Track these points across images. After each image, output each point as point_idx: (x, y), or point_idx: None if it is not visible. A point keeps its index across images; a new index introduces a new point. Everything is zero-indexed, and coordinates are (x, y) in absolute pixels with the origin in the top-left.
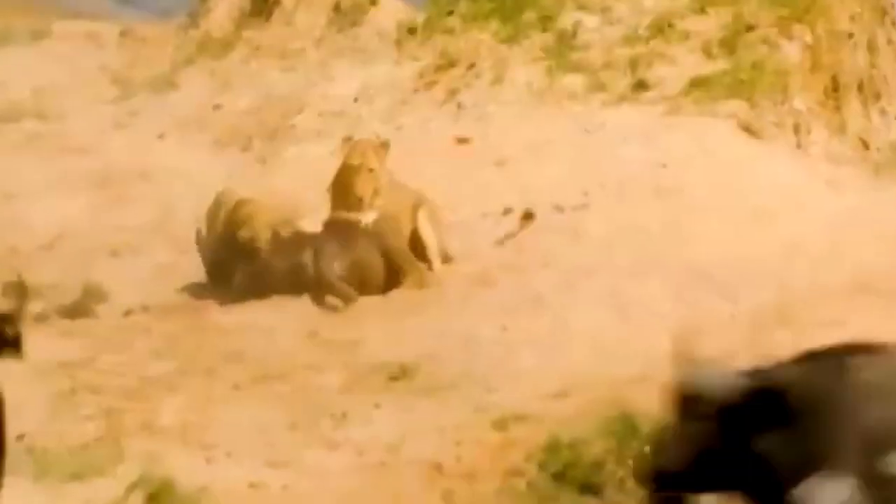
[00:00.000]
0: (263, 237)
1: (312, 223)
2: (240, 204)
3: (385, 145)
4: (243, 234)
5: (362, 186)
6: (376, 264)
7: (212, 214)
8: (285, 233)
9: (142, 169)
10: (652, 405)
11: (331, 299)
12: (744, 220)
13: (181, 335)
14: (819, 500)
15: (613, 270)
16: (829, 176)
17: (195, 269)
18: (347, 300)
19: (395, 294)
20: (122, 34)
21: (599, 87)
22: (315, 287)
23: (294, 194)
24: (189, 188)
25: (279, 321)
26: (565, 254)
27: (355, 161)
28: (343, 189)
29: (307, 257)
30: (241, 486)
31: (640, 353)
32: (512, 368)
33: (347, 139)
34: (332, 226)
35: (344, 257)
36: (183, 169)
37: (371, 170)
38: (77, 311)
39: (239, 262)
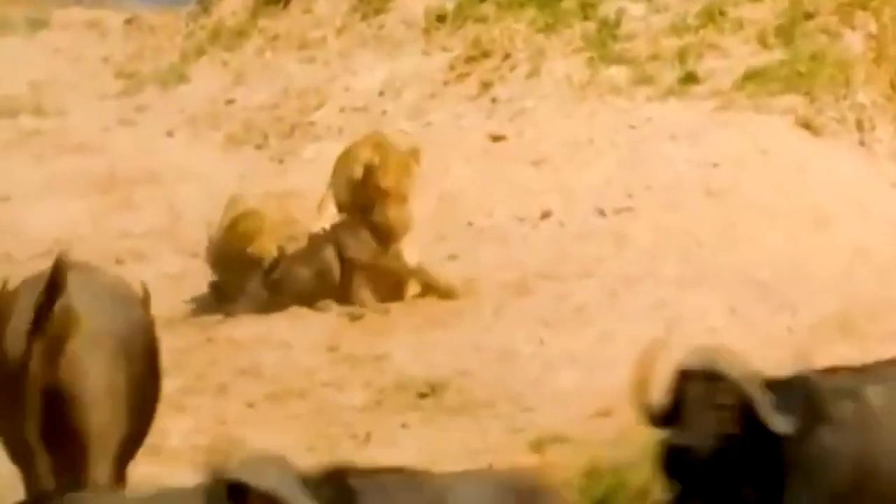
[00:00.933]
0: (268, 254)
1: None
2: (242, 217)
3: (416, 153)
4: (251, 250)
5: (397, 222)
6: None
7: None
8: (293, 249)
9: (148, 169)
10: None
11: (353, 310)
12: (802, 224)
13: (190, 350)
14: None
15: (660, 280)
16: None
17: (205, 279)
18: (372, 310)
19: (422, 304)
20: (128, 22)
21: (645, 80)
22: (336, 297)
23: (312, 196)
24: (199, 190)
25: (296, 334)
26: (608, 262)
27: (389, 183)
28: (367, 207)
29: (326, 265)
30: None
31: None
32: (550, 386)
33: (371, 136)
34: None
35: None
36: (193, 169)
37: (405, 199)
38: None
39: (246, 278)
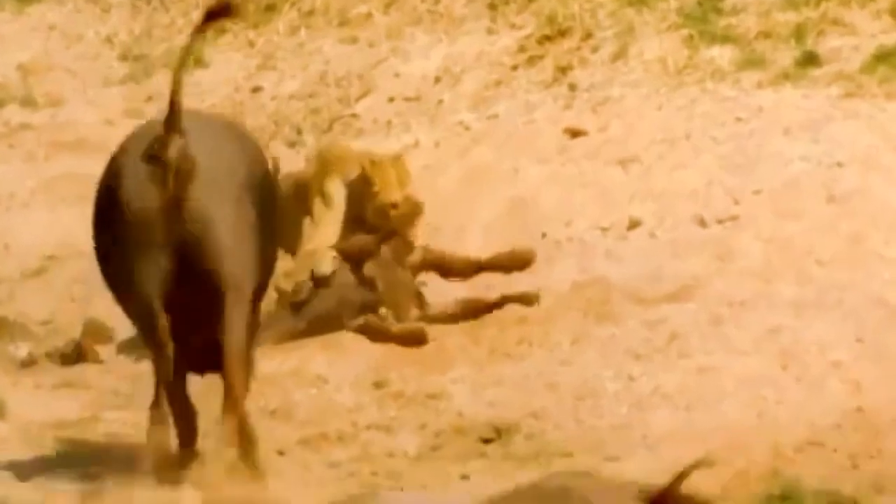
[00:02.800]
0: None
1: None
2: None
3: (399, 159)
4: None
5: (411, 226)
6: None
7: None
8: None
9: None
10: (823, 479)
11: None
12: None
13: (209, 386)
14: None
15: (773, 303)
16: None
17: None
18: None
19: (485, 332)
20: None
21: (755, 62)
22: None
23: None
24: None
25: (335, 368)
26: (709, 281)
27: (396, 196)
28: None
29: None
30: None
31: (807, 411)
32: (640, 430)
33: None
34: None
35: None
36: None
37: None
38: (75, 355)
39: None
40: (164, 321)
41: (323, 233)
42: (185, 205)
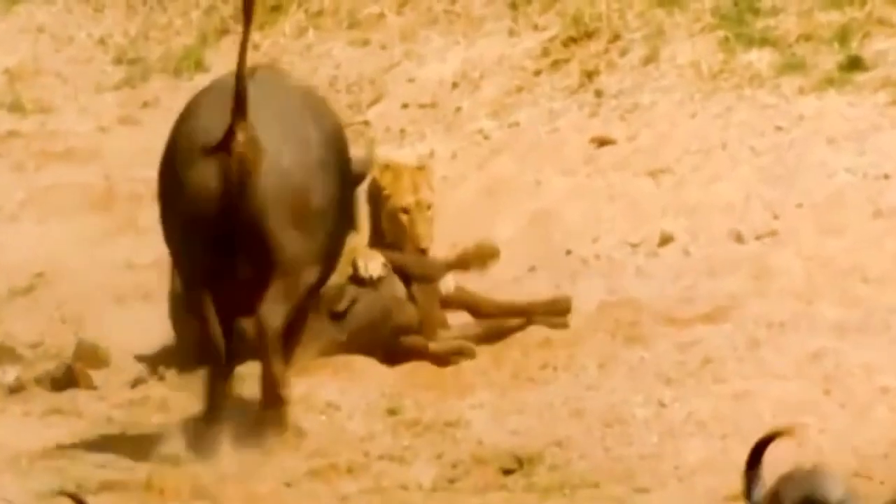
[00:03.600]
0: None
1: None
2: None
3: (425, 169)
4: None
5: (424, 233)
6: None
7: None
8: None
9: (156, 182)
10: None
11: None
12: None
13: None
14: None
15: (815, 325)
16: None
17: None
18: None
19: (507, 355)
20: None
21: (795, 66)
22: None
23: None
24: None
25: (347, 394)
26: (747, 301)
27: (408, 200)
28: (391, 234)
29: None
30: None
31: (852, 440)
32: (672, 460)
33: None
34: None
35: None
36: None
37: (429, 206)
38: (67, 380)
39: None
40: (211, 303)
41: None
42: (247, 193)
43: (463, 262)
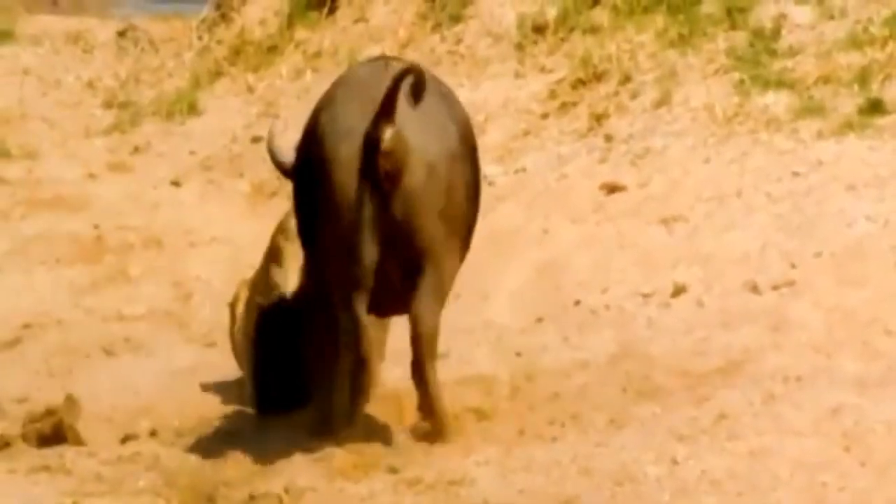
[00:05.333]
0: None
1: None
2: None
3: None
4: None
5: None
6: None
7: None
8: None
9: (148, 230)
10: None
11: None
12: None
13: (206, 472)
14: None
15: (835, 379)
16: None
17: (225, 373)
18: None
19: (512, 409)
20: (121, 35)
21: (813, 110)
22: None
23: None
24: (216, 258)
25: None
26: (764, 354)
27: None
28: None
29: None
30: None
31: (873, 500)
32: None
33: None
34: None
35: None
36: (207, 231)
37: None
38: (54, 436)
39: None
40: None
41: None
42: (397, 192)
43: None
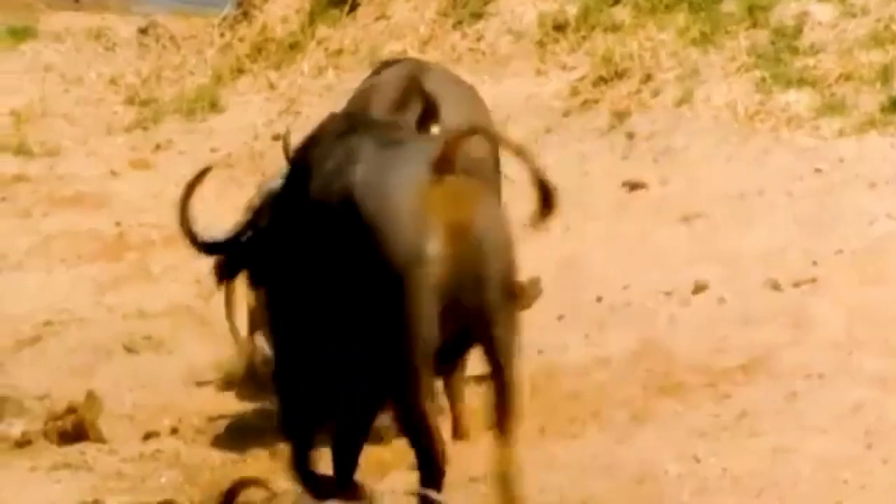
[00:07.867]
0: None
1: None
2: None
3: None
4: None
5: None
6: None
7: None
8: None
9: (170, 227)
10: None
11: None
12: None
13: (227, 469)
14: None
15: (856, 377)
16: None
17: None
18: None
19: (533, 407)
20: (142, 32)
21: (835, 108)
22: None
23: None
24: None
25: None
26: (786, 352)
27: None
28: None
29: None
30: None
31: (895, 497)
32: None
33: None
34: None
35: None
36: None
37: None
38: (75, 433)
39: None
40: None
41: None
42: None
43: None
